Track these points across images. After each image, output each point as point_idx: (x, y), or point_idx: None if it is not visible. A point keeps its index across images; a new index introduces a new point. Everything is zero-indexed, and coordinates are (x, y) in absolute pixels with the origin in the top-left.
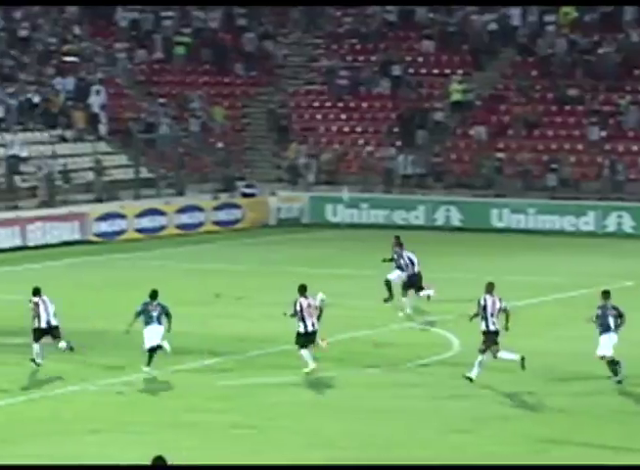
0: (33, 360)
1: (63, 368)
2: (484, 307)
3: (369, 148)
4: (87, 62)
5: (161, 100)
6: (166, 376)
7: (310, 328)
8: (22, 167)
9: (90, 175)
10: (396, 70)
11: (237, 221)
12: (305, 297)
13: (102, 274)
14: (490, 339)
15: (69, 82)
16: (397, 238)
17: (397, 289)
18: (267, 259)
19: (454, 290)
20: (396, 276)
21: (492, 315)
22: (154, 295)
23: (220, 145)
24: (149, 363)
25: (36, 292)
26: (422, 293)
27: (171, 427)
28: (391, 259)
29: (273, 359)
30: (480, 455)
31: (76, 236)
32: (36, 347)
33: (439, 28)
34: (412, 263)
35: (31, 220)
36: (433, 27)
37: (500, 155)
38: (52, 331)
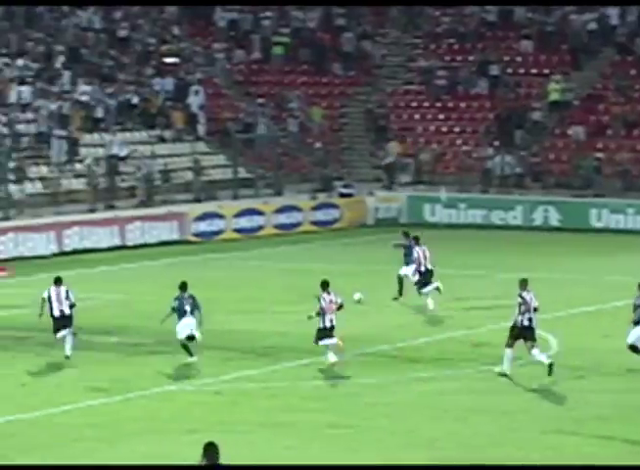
0: (67, 357)
1: (159, 368)
2: (524, 303)
3: (467, 148)
4: (186, 62)
5: (260, 100)
6: (263, 376)
7: (329, 324)
8: (121, 167)
9: (189, 175)
10: (494, 70)
11: (335, 221)
12: (328, 292)
13: (199, 274)
14: (516, 334)
15: (168, 82)
16: (406, 234)
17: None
18: (365, 259)
19: (551, 290)
20: (410, 271)
21: (529, 311)
22: (183, 286)
23: (318, 145)
24: (190, 354)
25: (57, 281)
26: (426, 289)
27: (268, 427)
28: (402, 247)
29: (370, 359)
30: (577, 456)
31: (175, 236)
32: (60, 336)
33: (538, 28)
34: (423, 259)
35: (130, 220)
36: (531, 27)
37: (599, 155)
38: (64, 320)
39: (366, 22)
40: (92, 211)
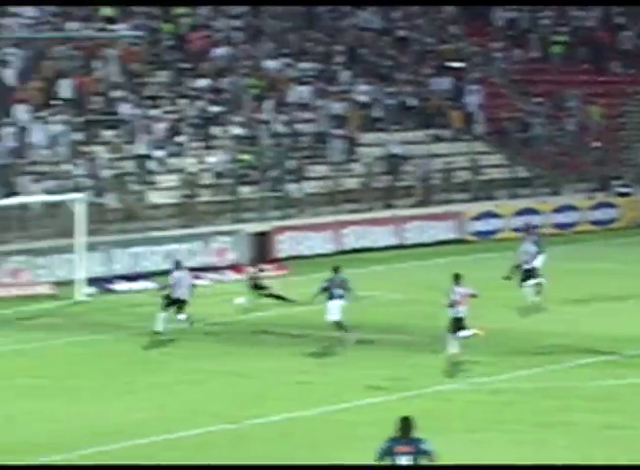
0: (157, 333)
1: (436, 366)
2: None
3: None
4: (464, 61)
5: (537, 99)
6: (540, 375)
7: (460, 315)
8: (399, 167)
9: (466, 175)
10: None
11: (613, 221)
12: (459, 285)
13: (475, 274)
14: None
15: (446, 82)
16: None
17: None
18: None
19: None
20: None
21: None
22: (336, 269)
23: (596, 144)
24: (346, 330)
25: (178, 264)
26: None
27: (544, 426)
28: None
29: None
30: None
31: (452, 235)
32: (161, 315)
33: None
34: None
35: (408, 219)
36: None
37: None
38: (179, 303)
39: None
40: (370, 210)
